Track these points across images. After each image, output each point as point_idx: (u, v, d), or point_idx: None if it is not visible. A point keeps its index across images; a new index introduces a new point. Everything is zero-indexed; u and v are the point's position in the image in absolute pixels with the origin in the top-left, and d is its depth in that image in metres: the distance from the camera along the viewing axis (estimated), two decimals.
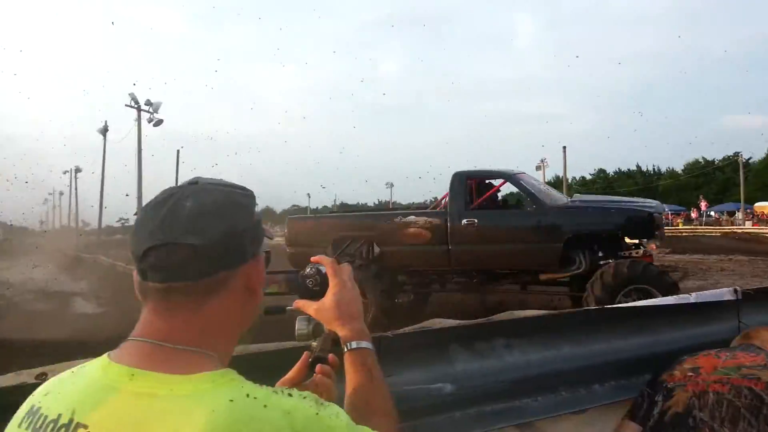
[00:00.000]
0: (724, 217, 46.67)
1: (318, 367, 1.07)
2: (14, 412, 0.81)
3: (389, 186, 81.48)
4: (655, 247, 7.60)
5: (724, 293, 2.32)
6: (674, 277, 7.29)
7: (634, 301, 2.67)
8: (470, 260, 7.49)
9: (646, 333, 2.16)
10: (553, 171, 60.43)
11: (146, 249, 0.77)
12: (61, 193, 64.11)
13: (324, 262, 1.15)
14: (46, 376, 1.39)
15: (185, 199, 0.80)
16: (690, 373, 1.83)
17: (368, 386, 1.00)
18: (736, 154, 53.27)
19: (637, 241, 7.18)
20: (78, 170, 54.12)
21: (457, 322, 2.02)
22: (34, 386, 0.83)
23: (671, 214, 50.14)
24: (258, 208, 0.89)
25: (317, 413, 0.75)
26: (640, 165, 71.38)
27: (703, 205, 48.79)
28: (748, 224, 38.81)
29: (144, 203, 0.94)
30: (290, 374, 1.09)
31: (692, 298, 2.26)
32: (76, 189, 54.93)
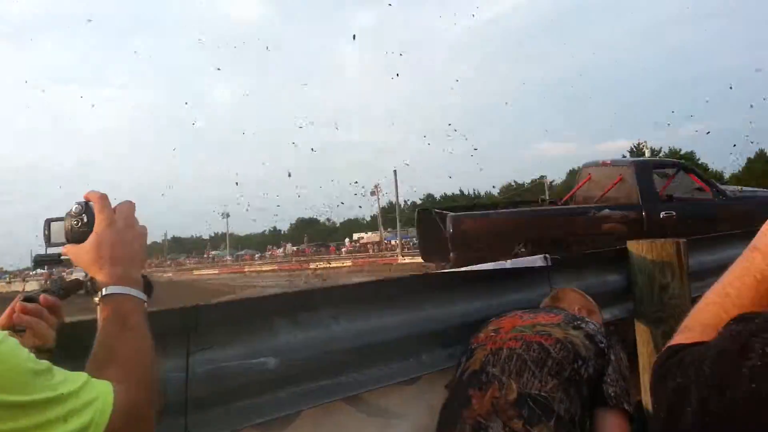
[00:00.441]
0: None
1: (18, 305, 0.92)
2: None
3: (225, 216, 78.86)
4: None
5: (537, 260, 2.47)
6: None
7: None
8: None
9: (470, 299, 2.20)
10: (385, 198, 62.89)
11: None
12: None
13: (92, 197, 0.99)
14: None
15: None
16: (492, 333, 1.90)
17: (116, 335, 0.88)
18: (542, 177, 59.98)
19: None
20: None
21: (281, 290, 1.88)
22: None
23: None
24: None
25: None
26: (462, 189, 77.31)
27: None
28: None
29: None
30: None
31: (508, 264, 2.37)
32: None
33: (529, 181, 65.49)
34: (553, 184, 61.98)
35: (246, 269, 58.97)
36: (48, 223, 1.04)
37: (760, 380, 0.52)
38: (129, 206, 1.02)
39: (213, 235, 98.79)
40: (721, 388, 0.55)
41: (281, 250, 74.19)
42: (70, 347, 0.96)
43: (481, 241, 6.68)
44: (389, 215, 63.49)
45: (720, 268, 0.88)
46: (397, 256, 48.91)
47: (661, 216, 7.04)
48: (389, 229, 63.74)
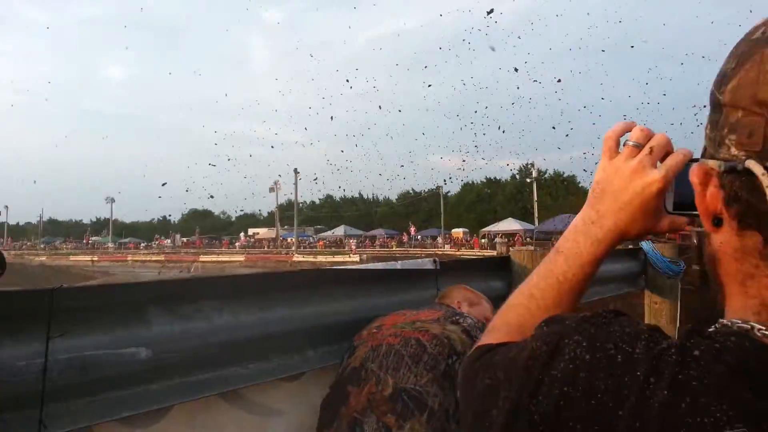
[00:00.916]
0: (429, 240, 53.46)
1: None
2: None
3: (110, 201, 73.94)
4: None
5: (426, 263, 2.52)
6: None
7: None
8: None
9: (361, 297, 2.20)
10: (283, 195, 61.92)
11: None
12: None
13: None
14: None
15: None
16: (374, 331, 1.91)
17: None
18: (438, 187, 61.83)
19: None
20: None
21: (158, 278, 1.77)
22: None
23: (387, 238, 55.87)
24: None
25: None
26: (362, 193, 77.93)
27: (412, 230, 55.52)
28: (447, 247, 45.66)
29: None
30: None
31: (398, 265, 2.40)
32: None
33: (426, 189, 67.17)
34: (448, 194, 64.27)
35: (129, 258, 55.58)
36: None
37: (568, 382, 0.52)
38: None
39: (95, 219, 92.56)
40: (532, 389, 0.55)
41: (169, 240, 70.73)
42: None
43: None
44: (287, 213, 62.61)
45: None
46: (292, 253, 48.33)
47: None
48: (285, 227, 62.80)
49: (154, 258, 54.03)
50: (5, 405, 1.31)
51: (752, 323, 0.50)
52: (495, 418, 0.57)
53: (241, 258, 49.16)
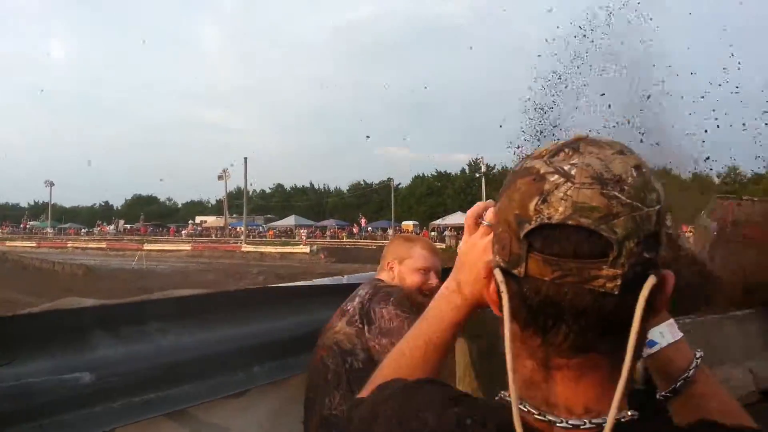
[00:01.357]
0: (379, 232, 53.71)
1: None
2: None
3: (49, 184, 70.87)
4: None
5: (373, 276, 2.59)
6: None
7: None
8: None
9: (304, 312, 2.25)
10: (234, 182, 60.74)
11: None
12: None
13: None
14: None
15: None
16: (318, 343, 1.93)
17: None
18: (389, 180, 62.03)
19: None
20: None
21: (99, 302, 1.78)
22: None
23: (337, 229, 55.80)
24: None
25: None
26: (313, 183, 77.32)
27: (363, 221, 55.59)
28: None
29: None
30: None
31: (345, 279, 2.46)
32: None
33: (377, 181, 67.26)
34: (399, 186, 64.53)
35: (69, 244, 53.46)
36: None
37: None
38: None
39: (33, 203, 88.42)
40: None
41: (112, 226, 68.46)
42: None
43: None
44: (236, 201, 61.52)
45: None
46: (241, 243, 47.61)
47: None
48: (234, 215, 61.73)
49: (93, 245, 52.22)
50: None
51: (508, 398, 0.62)
52: None
53: (187, 247, 48.09)
